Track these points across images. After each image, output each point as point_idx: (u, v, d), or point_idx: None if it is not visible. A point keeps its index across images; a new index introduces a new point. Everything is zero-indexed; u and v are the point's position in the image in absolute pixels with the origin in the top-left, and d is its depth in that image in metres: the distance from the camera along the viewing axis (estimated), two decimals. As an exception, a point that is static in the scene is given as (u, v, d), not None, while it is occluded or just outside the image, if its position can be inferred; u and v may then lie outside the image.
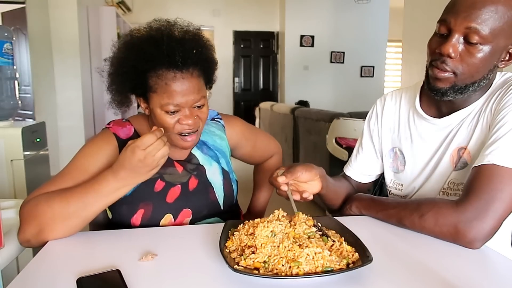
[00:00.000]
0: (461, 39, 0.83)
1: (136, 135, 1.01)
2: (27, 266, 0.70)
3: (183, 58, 0.89)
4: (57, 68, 4.01)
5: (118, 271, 0.67)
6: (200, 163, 1.06)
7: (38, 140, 2.29)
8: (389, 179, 1.10)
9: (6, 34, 2.18)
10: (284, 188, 0.88)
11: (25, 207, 0.84)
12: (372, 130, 1.13)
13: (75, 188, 0.85)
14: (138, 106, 1.01)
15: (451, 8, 0.85)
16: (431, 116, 0.98)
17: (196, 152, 1.07)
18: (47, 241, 0.82)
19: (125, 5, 5.74)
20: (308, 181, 0.94)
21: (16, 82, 2.30)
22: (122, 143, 0.97)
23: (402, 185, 1.06)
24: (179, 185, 1.00)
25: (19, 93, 2.36)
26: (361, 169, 1.15)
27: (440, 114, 0.97)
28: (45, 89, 4.08)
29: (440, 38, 0.87)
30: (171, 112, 0.91)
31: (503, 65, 0.87)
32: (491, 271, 0.75)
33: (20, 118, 3.97)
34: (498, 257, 0.78)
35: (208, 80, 1.02)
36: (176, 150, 1.03)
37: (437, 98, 0.91)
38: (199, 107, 0.95)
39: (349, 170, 1.17)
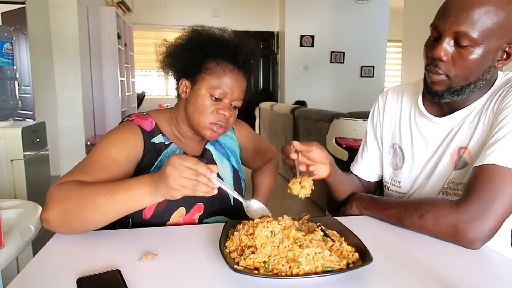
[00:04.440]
0: (452, 42, 0.83)
1: (158, 128, 1.03)
2: (27, 266, 0.70)
3: (245, 59, 1.00)
4: (57, 68, 4.01)
5: (118, 271, 0.67)
6: (214, 158, 1.09)
7: (38, 140, 2.29)
8: (387, 175, 1.10)
9: (6, 34, 2.18)
10: (293, 156, 0.90)
11: (56, 189, 0.82)
12: (375, 127, 1.13)
13: (108, 182, 0.83)
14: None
15: (441, 12, 0.85)
16: (433, 115, 0.98)
17: (210, 147, 1.11)
18: (60, 231, 0.82)
19: (125, 5, 5.73)
20: (318, 161, 0.95)
21: (16, 82, 2.30)
22: (146, 135, 0.99)
23: (399, 182, 1.06)
24: None
25: (19, 93, 2.35)
26: (367, 167, 1.15)
27: (441, 113, 0.97)
28: (45, 89, 4.08)
29: (433, 42, 0.87)
30: (215, 98, 0.96)
31: (501, 65, 0.87)
32: (491, 271, 0.75)
33: (20, 118, 3.97)
34: (498, 257, 0.78)
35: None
36: (193, 146, 1.08)
37: (435, 100, 0.92)
38: (234, 107, 1.01)
39: (356, 169, 1.17)
